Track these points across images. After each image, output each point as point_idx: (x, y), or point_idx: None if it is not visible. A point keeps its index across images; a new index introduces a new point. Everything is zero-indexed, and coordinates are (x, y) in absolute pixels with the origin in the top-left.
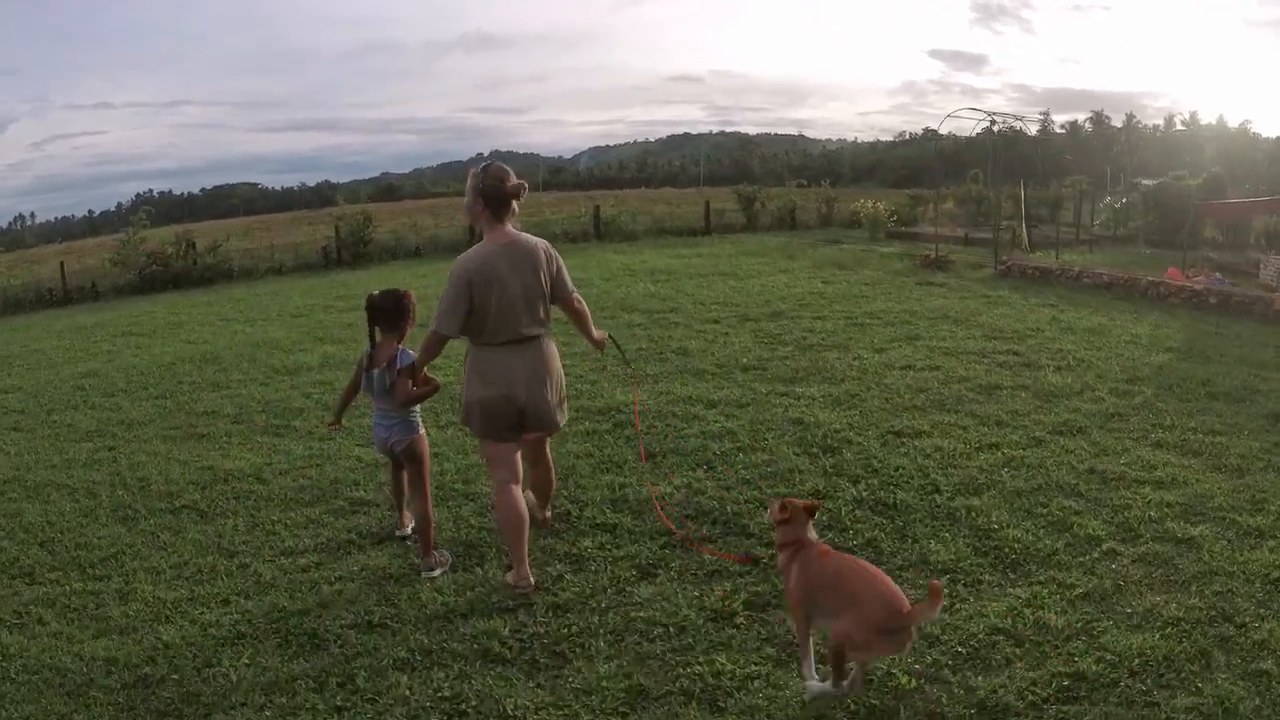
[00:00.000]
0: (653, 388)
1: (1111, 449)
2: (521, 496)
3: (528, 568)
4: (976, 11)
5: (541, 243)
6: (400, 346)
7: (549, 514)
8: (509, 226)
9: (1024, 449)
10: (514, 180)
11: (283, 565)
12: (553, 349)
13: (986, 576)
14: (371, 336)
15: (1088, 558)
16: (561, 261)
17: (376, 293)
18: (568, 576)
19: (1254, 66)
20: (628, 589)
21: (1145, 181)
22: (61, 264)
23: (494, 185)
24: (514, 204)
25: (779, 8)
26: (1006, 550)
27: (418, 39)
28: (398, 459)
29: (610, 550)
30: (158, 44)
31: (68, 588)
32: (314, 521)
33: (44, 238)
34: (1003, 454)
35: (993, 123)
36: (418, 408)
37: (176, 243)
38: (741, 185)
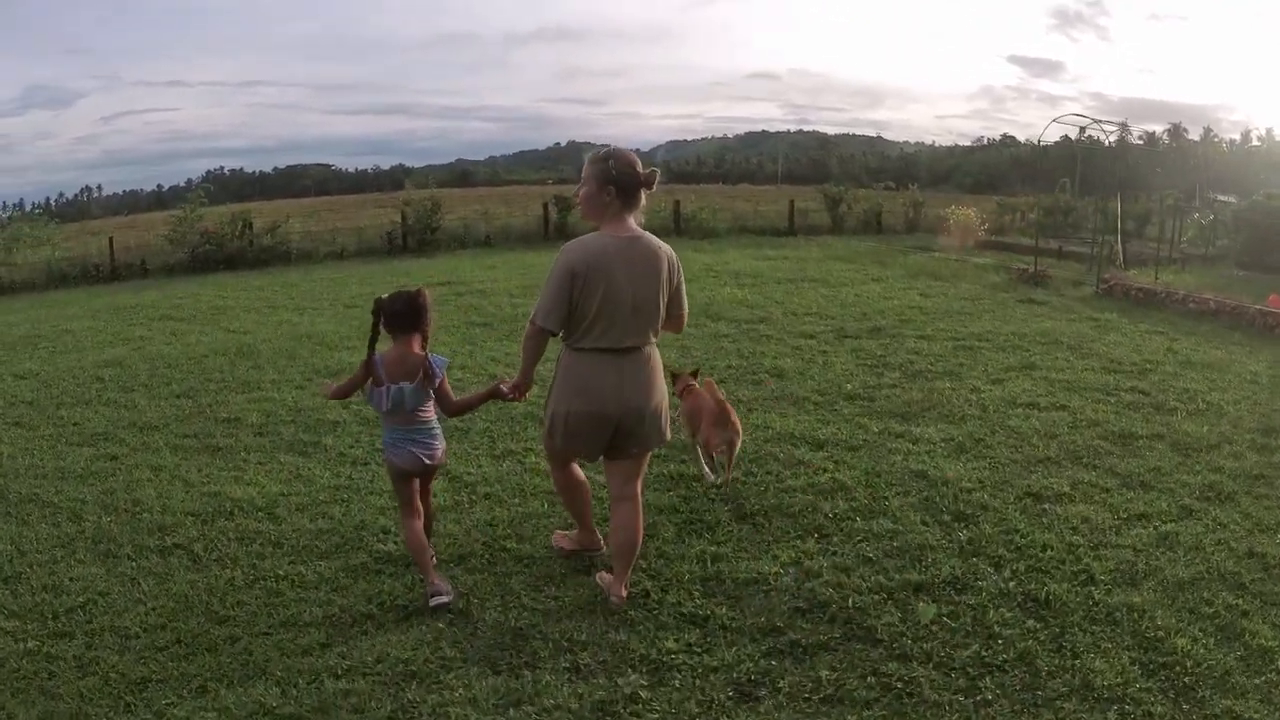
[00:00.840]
0: (748, 419)
1: (1266, 523)
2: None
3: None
4: (1055, 18)
5: (666, 248)
6: (427, 351)
7: (625, 592)
8: (632, 220)
9: (1175, 521)
10: (645, 167)
11: (281, 642)
12: (656, 358)
13: (1158, 708)
14: (372, 345)
15: (1263, 679)
16: (683, 274)
17: (384, 295)
18: (643, 694)
19: None
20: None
21: (1221, 198)
22: (110, 240)
23: (627, 172)
24: (643, 195)
25: (857, 9)
26: (1177, 668)
27: (495, 30)
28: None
29: (700, 656)
30: (232, 27)
31: (23, 645)
32: (328, 581)
33: (110, 210)
34: (1154, 529)
35: (1082, 130)
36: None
37: (233, 221)
38: (826, 185)
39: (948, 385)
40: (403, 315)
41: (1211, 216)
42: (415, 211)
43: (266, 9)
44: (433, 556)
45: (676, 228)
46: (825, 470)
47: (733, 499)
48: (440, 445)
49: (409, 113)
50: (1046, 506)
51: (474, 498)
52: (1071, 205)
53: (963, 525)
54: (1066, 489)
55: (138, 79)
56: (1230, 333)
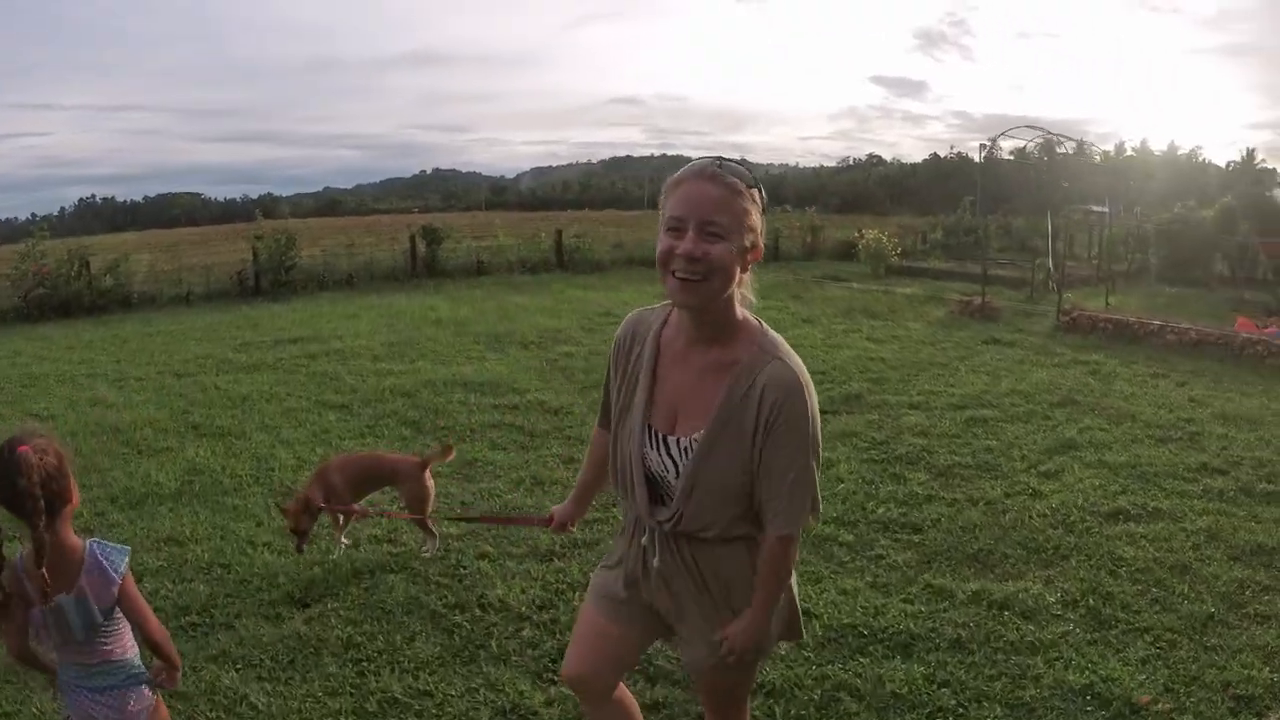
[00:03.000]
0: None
1: None
2: None
3: None
4: (918, 38)
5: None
6: (88, 541)
7: None
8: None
9: None
10: None
11: None
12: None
13: None
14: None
15: None
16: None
17: None
18: None
19: (1196, 94)
20: None
21: (1096, 209)
22: None
23: None
24: None
25: (721, 33)
26: None
27: (362, 55)
28: None
29: None
30: (107, 47)
31: None
32: None
33: None
34: None
35: (988, 144)
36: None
37: (68, 260)
38: None
39: (997, 490)
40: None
41: (1124, 231)
42: (268, 247)
43: (138, 31)
44: None
45: (559, 261)
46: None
47: None
48: (141, 703)
49: (277, 140)
50: None
51: None
52: (973, 225)
53: None
54: (1269, 682)
55: (13, 101)
56: (1221, 367)
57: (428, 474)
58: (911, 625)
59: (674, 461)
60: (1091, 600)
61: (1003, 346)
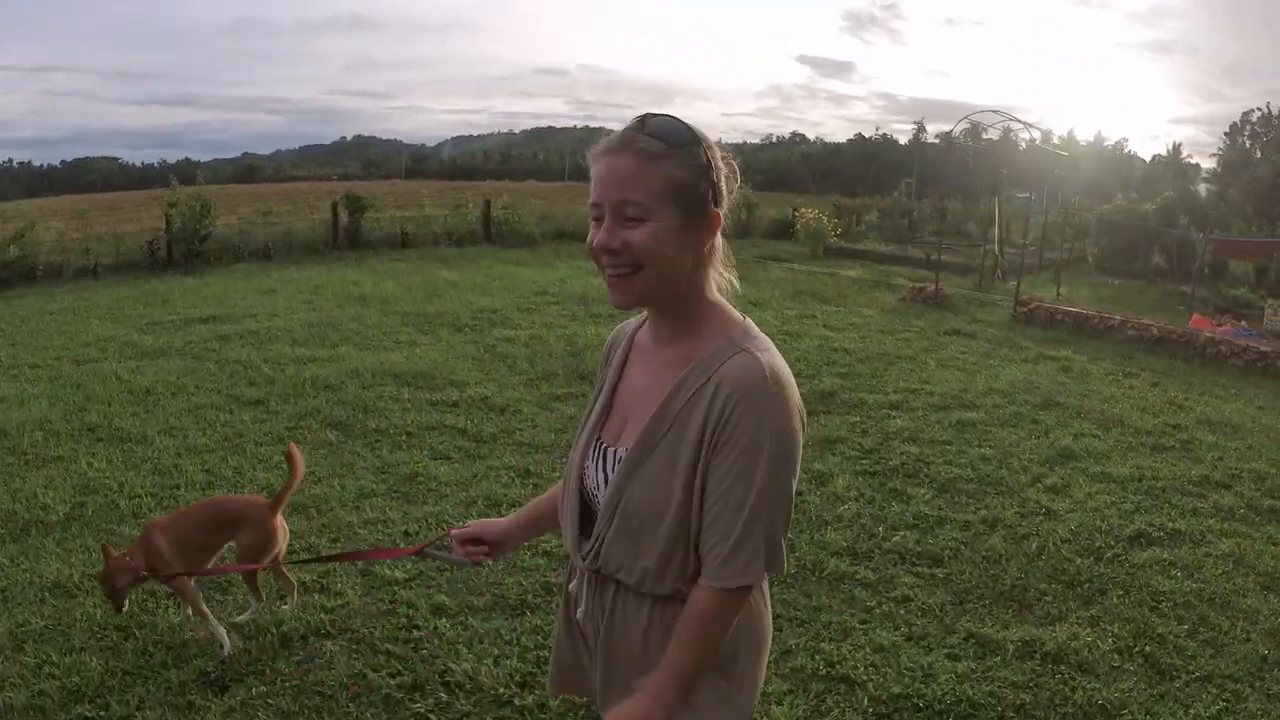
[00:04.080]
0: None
1: None
2: None
3: None
4: (847, 20)
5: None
6: None
7: None
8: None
9: None
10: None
11: None
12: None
13: None
14: None
15: None
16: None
17: None
18: None
19: (1123, 87)
20: None
21: (1019, 195)
22: None
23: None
24: None
25: (650, 6)
26: None
27: (291, 18)
28: None
29: None
30: (33, 9)
31: None
32: None
33: None
34: None
35: (876, 128)
36: None
37: None
38: None
39: (1009, 510)
40: None
41: (1059, 219)
42: (182, 214)
43: None
44: None
45: (487, 235)
46: None
47: None
48: None
49: (197, 104)
50: None
51: None
52: (909, 208)
53: None
54: None
55: None
56: (1192, 367)
57: (278, 518)
58: (968, 691)
59: (607, 478)
60: (1146, 646)
61: (964, 338)
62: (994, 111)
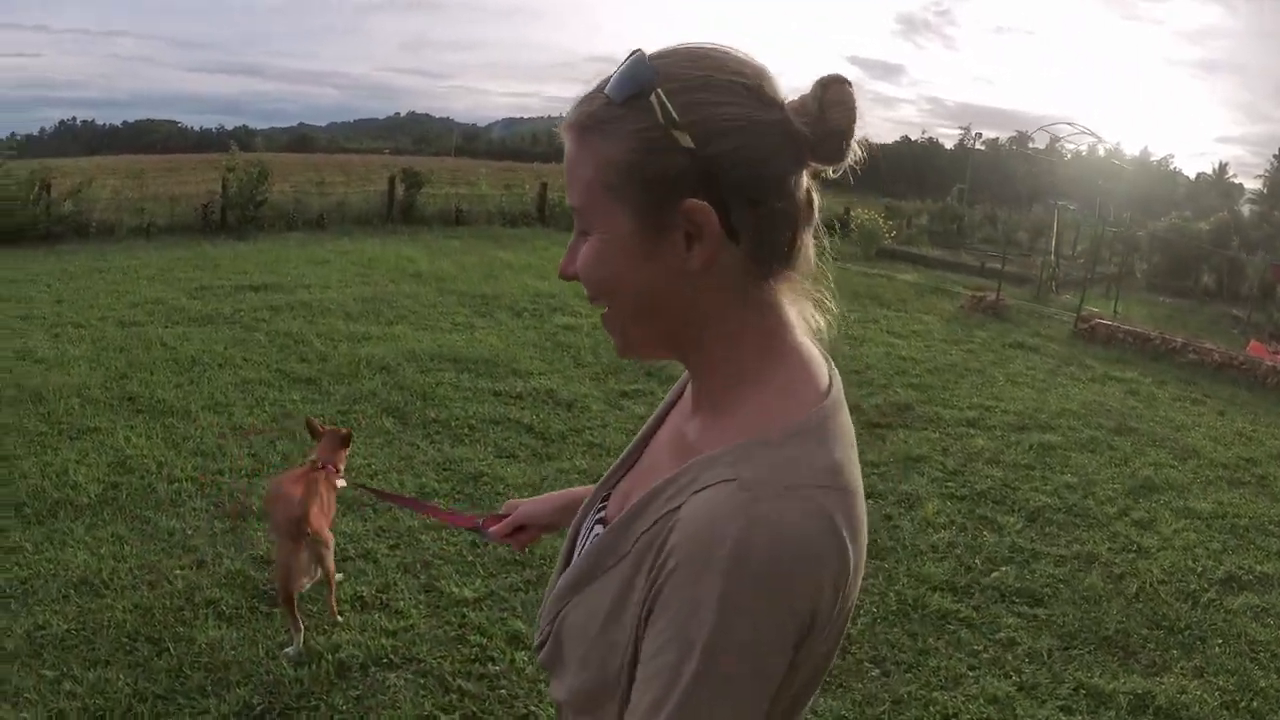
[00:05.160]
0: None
1: None
2: None
3: None
4: (901, 24)
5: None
6: None
7: None
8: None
9: None
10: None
11: None
12: None
13: None
14: None
15: None
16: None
17: None
18: None
19: (1170, 104)
20: None
21: (1065, 205)
22: None
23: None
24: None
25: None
26: None
27: None
28: None
29: None
30: None
31: None
32: None
33: None
34: None
35: (923, 132)
36: None
37: (29, 182)
38: None
39: (1101, 545)
40: None
41: (1112, 233)
42: (239, 179)
43: None
44: None
45: (540, 216)
46: None
47: None
48: None
49: (262, 74)
50: None
51: None
52: (960, 213)
53: None
54: None
55: (4, 21)
56: (1255, 396)
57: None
58: None
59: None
60: (1253, 701)
61: (1028, 352)
62: (1068, 124)
